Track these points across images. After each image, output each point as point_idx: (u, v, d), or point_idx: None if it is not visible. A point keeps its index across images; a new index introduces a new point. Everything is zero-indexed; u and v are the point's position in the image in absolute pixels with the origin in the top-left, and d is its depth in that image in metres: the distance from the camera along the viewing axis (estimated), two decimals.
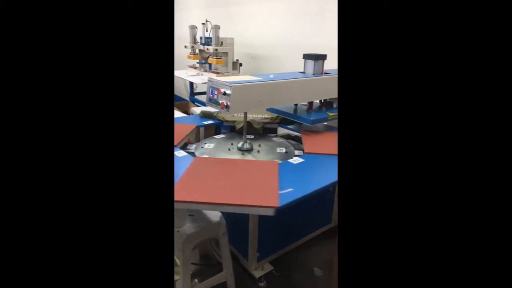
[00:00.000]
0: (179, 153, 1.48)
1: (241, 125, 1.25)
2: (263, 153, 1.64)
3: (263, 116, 2.04)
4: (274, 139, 1.88)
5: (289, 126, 1.98)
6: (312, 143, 1.62)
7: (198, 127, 1.89)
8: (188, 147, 1.75)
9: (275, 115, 1.97)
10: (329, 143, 1.61)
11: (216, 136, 1.91)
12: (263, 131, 2.00)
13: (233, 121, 1.96)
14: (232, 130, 2.06)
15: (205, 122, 1.96)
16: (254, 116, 2.05)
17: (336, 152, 1.43)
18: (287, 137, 1.96)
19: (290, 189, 1.11)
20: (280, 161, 1.42)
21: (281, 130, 2.07)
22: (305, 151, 1.53)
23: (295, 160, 1.41)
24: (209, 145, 1.76)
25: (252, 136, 1.92)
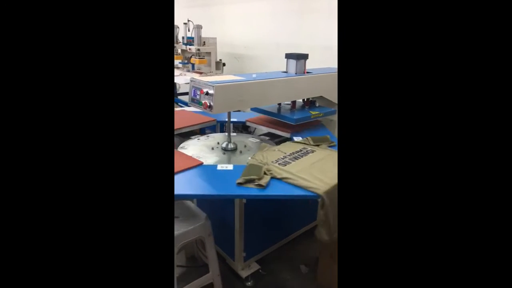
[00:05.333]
0: None
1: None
2: (247, 154, 1.64)
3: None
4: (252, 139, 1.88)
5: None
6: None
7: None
8: (190, 136, 1.82)
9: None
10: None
11: (201, 137, 1.89)
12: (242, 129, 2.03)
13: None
14: (216, 131, 2.05)
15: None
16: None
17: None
18: (268, 135, 1.97)
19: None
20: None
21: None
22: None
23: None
24: (195, 142, 1.75)
25: (235, 134, 1.92)
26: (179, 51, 3.41)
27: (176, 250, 1.36)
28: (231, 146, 1.68)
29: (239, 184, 1.18)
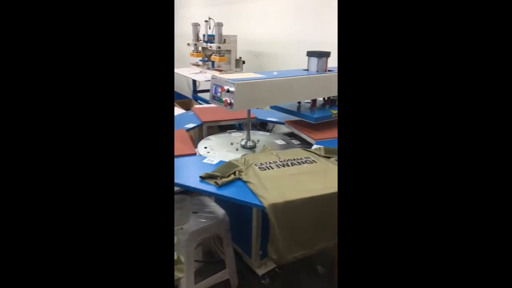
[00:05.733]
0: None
1: None
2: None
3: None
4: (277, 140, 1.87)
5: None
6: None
7: (188, 130, 1.86)
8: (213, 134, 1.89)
9: None
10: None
11: (221, 134, 1.91)
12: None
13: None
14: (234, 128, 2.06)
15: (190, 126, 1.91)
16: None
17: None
18: (290, 135, 1.95)
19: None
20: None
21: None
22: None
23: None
24: (213, 141, 1.77)
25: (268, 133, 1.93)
26: (200, 48, 3.45)
27: (194, 245, 1.38)
28: (249, 144, 1.68)
29: (201, 178, 1.19)
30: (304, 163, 1.35)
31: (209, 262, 1.78)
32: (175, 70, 3.83)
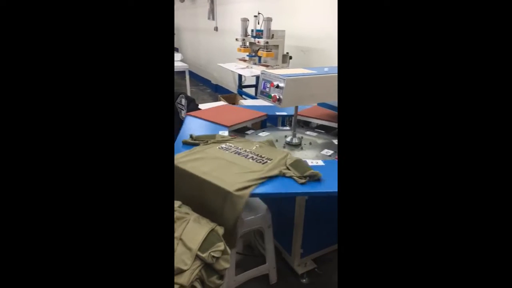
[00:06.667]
0: None
1: None
2: (309, 149, 1.60)
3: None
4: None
5: None
6: None
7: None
8: (246, 131, 1.85)
9: None
10: None
11: (260, 134, 1.90)
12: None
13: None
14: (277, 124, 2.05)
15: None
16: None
17: None
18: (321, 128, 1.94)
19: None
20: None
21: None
22: None
23: None
24: (265, 134, 1.80)
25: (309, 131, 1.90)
26: (247, 43, 3.47)
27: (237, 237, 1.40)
28: (295, 140, 1.65)
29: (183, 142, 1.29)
30: (257, 160, 1.31)
31: (249, 255, 1.81)
32: (222, 65, 3.92)
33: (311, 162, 1.31)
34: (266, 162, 1.29)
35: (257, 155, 1.37)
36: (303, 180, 1.15)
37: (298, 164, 1.23)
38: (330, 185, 1.15)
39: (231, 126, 1.80)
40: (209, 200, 1.14)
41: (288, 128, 1.96)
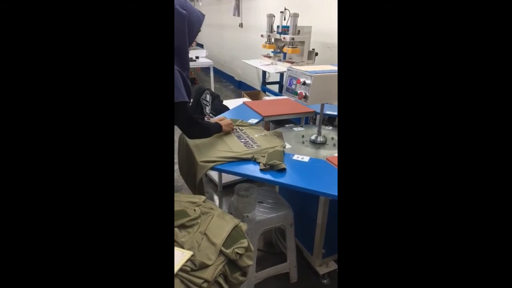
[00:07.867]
0: None
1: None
2: (331, 149, 1.56)
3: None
4: None
5: None
6: None
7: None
8: (285, 124, 1.89)
9: None
10: None
11: (295, 128, 1.88)
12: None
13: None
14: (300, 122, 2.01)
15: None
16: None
17: None
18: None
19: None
20: None
21: None
22: None
23: None
24: (299, 129, 1.81)
25: (330, 127, 1.86)
26: (273, 40, 3.44)
27: (258, 234, 1.40)
28: (320, 139, 1.62)
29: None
30: (245, 144, 1.45)
31: (270, 253, 1.80)
32: (246, 61, 3.91)
33: (297, 157, 1.35)
34: (252, 147, 1.41)
35: (253, 140, 1.48)
36: (263, 167, 1.24)
37: (273, 154, 1.32)
38: (293, 179, 1.18)
39: (267, 116, 1.87)
40: (189, 164, 1.40)
41: (326, 125, 1.92)
